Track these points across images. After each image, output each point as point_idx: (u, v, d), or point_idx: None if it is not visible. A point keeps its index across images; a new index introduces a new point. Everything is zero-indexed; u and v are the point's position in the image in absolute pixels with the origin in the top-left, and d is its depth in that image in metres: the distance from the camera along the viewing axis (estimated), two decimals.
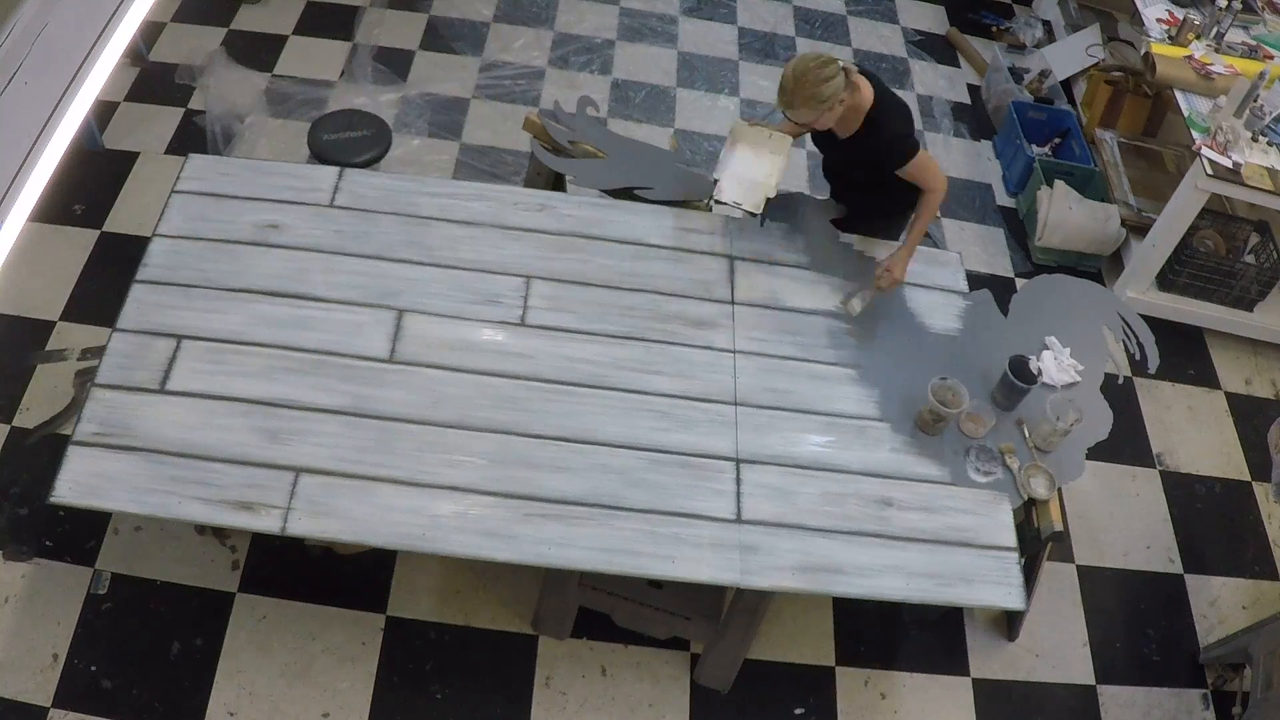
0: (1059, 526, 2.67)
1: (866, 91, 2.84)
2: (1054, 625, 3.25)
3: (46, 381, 3.29)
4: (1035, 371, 2.87)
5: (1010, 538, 2.58)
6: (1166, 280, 4.10)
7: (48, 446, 3.09)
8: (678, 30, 5.21)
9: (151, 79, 4.40)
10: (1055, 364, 2.94)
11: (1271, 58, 4.10)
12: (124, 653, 2.80)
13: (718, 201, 3.06)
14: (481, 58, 4.81)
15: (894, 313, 3.01)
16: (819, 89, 2.69)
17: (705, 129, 4.70)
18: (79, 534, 2.99)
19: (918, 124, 4.94)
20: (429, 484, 2.43)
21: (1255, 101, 3.69)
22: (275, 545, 2.93)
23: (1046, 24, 5.49)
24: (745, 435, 2.64)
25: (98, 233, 3.77)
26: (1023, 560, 2.59)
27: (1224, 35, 4.10)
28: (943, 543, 2.54)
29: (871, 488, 2.61)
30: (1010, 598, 2.50)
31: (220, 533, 3.01)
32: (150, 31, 4.61)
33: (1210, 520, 3.63)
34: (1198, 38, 4.10)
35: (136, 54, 4.43)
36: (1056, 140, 4.69)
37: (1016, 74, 5.00)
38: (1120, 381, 3.23)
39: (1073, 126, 4.68)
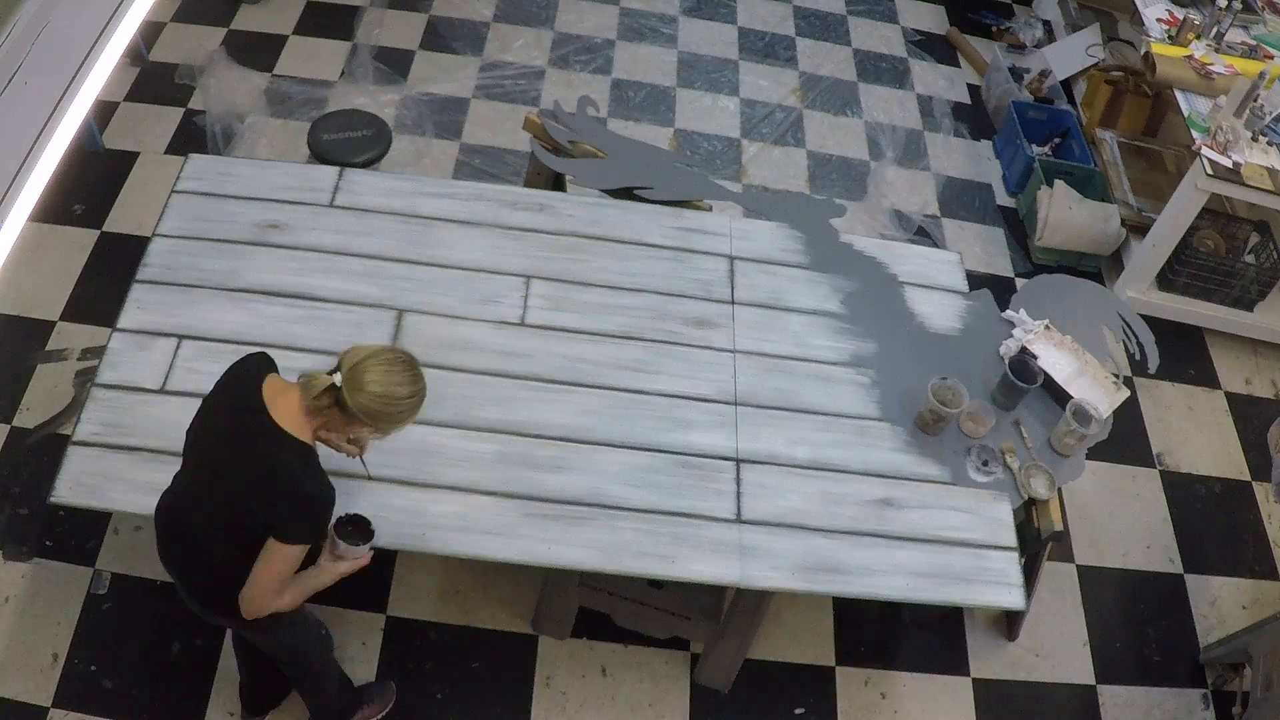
0: (1059, 526, 2.67)
1: None
2: (1054, 625, 3.25)
3: (46, 381, 3.29)
4: (1035, 371, 2.86)
5: (1010, 538, 2.58)
6: (1166, 280, 4.10)
7: (48, 446, 3.10)
8: (678, 30, 5.21)
9: (151, 79, 4.40)
10: (1049, 346, 2.87)
11: (1271, 58, 4.10)
12: (124, 653, 2.80)
13: None
14: (481, 58, 4.81)
15: (894, 313, 3.01)
16: None
17: (705, 129, 4.69)
18: (79, 534, 2.98)
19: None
20: (429, 484, 2.43)
21: (1255, 101, 3.68)
22: None
23: (1046, 24, 5.49)
24: (745, 435, 2.64)
25: (98, 233, 3.76)
26: (1023, 560, 2.59)
27: (1224, 35, 4.10)
28: (943, 542, 2.53)
29: (871, 488, 2.60)
30: (1010, 598, 2.49)
31: None
32: (150, 31, 4.60)
33: (1210, 520, 3.63)
34: (1198, 37, 4.10)
35: (136, 54, 4.42)
36: (1056, 140, 4.69)
37: (1016, 74, 5.00)
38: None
39: (1073, 126, 4.68)
